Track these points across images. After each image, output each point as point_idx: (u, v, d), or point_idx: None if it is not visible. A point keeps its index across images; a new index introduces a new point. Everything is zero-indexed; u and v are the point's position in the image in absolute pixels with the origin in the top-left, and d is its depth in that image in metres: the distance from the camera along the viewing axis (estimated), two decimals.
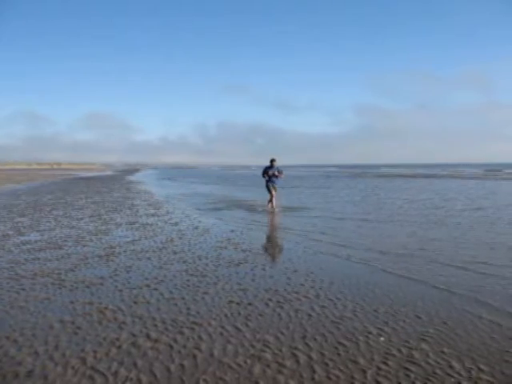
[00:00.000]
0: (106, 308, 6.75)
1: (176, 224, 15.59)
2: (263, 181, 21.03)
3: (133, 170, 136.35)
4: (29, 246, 11.39)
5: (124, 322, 6.19)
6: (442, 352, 5.24)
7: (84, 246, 11.56)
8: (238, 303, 7.00)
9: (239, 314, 6.54)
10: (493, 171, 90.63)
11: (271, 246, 11.80)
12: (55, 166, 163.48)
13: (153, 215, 18.15)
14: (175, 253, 10.69)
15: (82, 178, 62.05)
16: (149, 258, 10.09)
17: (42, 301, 7.08)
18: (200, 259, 10.03)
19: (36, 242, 12.07)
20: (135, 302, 7.03)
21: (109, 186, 40.28)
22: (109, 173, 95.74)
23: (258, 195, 27.36)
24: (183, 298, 7.24)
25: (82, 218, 17.06)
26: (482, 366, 4.87)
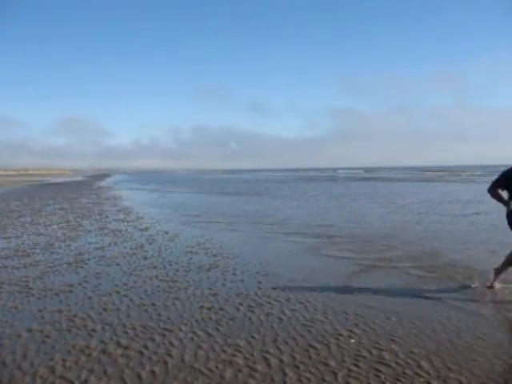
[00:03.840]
0: (75, 315, 6.66)
1: (146, 229, 15.49)
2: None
3: (103, 175, 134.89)
4: None
5: (94, 330, 6.11)
6: (412, 352, 5.32)
7: (52, 252, 11.39)
8: (208, 308, 6.99)
9: (210, 318, 6.53)
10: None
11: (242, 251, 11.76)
12: (22, 172, 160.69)
13: (122, 221, 17.99)
14: (145, 258, 10.62)
15: (50, 184, 61.11)
16: (118, 264, 10.00)
17: (10, 310, 6.95)
18: (170, 264, 9.99)
19: (2, 249, 11.84)
20: (105, 309, 6.95)
21: (78, 192, 39.76)
22: (78, 178, 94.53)
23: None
24: (154, 304, 7.19)
25: (50, 225, 16.81)
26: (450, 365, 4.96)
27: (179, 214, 20.93)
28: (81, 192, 40.10)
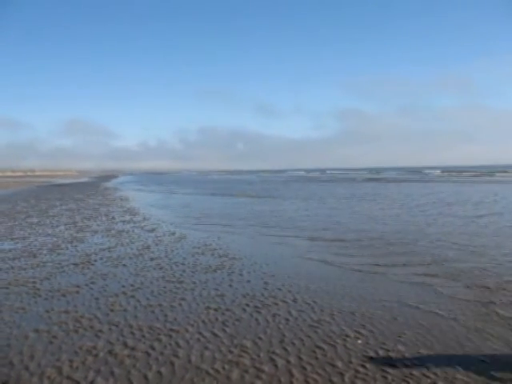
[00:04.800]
0: (82, 316, 6.68)
1: (152, 230, 15.50)
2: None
3: (109, 176, 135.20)
4: (2, 255, 11.20)
5: (100, 331, 6.13)
6: (419, 353, 5.31)
7: (59, 254, 11.41)
8: (215, 309, 6.99)
9: (217, 319, 6.53)
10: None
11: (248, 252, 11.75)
12: (29, 173, 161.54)
13: (129, 222, 18.02)
14: (152, 259, 10.63)
15: (56, 185, 61.31)
16: (125, 265, 10.01)
17: (17, 310, 6.97)
18: (177, 265, 9.99)
19: (10, 250, 11.88)
20: (112, 310, 6.97)
21: (84, 193, 39.89)
22: (85, 179, 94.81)
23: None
24: (160, 305, 7.19)
25: (57, 226, 16.86)
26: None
27: (185, 215, 20.93)
28: (87, 193, 40.22)
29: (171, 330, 6.15)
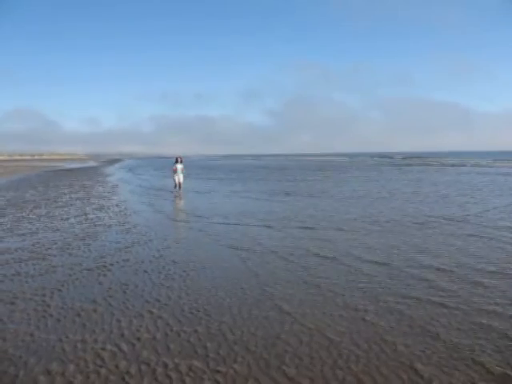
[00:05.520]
0: (103, 349, 5.40)
1: (172, 224, 14.31)
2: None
3: (114, 160, 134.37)
4: (8, 256, 10.00)
5: (128, 372, 4.84)
6: None
7: (71, 254, 10.20)
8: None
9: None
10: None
11: None
12: (37, 157, 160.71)
13: (143, 212, 16.86)
14: (175, 262, 9.44)
15: (64, 170, 60.12)
16: (146, 272, 8.76)
17: (24, 338, 5.72)
18: (204, 269, 8.78)
19: (16, 250, 10.66)
20: (138, 339, 5.67)
21: (94, 179, 38.69)
22: (92, 164, 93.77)
23: None
24: (196, 331, 5.92)
25: (67, 218, 15.62)
26: None
27: (204, 206, 19.74)
28: (96, 179, 39.08)
29: (216, 371, 4.86)
